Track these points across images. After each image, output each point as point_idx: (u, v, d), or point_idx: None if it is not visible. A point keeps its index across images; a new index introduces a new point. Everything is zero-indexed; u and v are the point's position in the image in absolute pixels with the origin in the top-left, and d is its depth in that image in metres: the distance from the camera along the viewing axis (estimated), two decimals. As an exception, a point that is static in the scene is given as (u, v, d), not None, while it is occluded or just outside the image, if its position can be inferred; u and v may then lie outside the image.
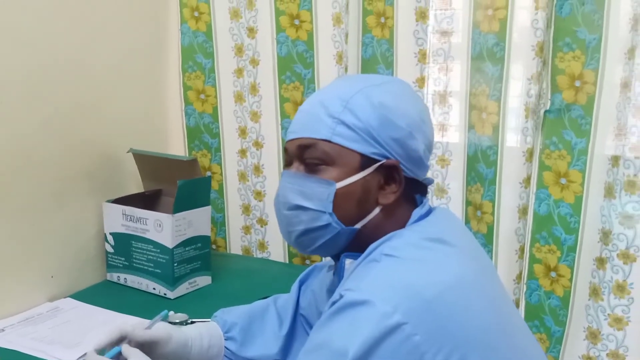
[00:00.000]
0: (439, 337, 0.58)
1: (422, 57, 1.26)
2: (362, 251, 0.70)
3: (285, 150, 0.77)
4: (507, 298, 0.75)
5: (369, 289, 0.61)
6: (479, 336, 0.61)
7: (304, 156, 0.73)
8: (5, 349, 0.95)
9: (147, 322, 0.83)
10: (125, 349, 0.77)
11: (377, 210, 0.72)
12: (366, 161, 0.71)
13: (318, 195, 0.71)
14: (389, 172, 0.72)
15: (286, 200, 0.73)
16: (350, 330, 0.59)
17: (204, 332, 0.89)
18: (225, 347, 0.90)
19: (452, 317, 0.60)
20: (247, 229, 1.53)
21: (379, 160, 0.71)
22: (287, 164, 0.77)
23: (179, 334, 0.84)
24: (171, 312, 1.04)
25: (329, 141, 0.71)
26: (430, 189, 1.28)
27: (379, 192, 0.72)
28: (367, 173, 0.71)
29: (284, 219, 0.75)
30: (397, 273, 0.64)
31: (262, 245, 1.51)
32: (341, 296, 0.62)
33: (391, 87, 0.75)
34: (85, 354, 0.80)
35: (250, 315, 0.93)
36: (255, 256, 1.53)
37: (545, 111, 1.18)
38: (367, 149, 0.71)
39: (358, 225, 0.72)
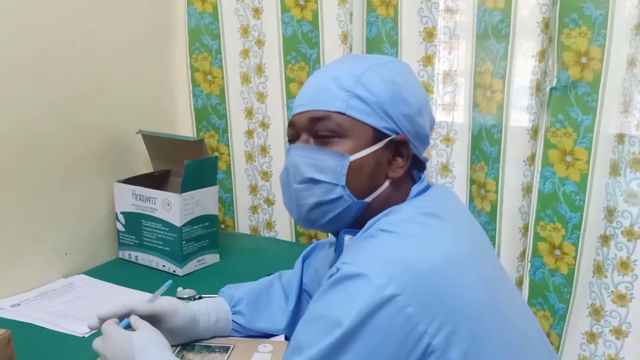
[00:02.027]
0: (432, 309, 0.60)
1: (427, 35, 1.26)
2: (362, 227, 0.72)
3: (291, 124, 0.77)
4: (503, 276, 0.75)
5: (365, 263, 0.62)
6: (471, 310, 0.62)
7: (315, 129, 0.73)
8: (21, 322, 0.99)
9: (158, 297, 0.87)
10: (134, 320, 0.80)
11: (386, 184, 0.74)
12: (378, 135, 0.72)
13: (331, 167, 0.71)
14: (398, 148, 0.74)
15: (297, 173, 0.73)
16: (345, 301, 0.60)
17: (210, 307, 0.91)
18: (233, 320, 0.93)
19: (445, 290, 0.61)
20: (254, 209, 1.55)
21: (389, 135, 0.72)
22: (294, 138, 0.77)
23: (185, 308, 0.87)
24: (179, 288, 1.07)
25: (343, 114, 0.71)
26: (435, 167, 1.29)
27: (388, 166, 0.74)
28: (379, 147, 0.72)
29: (293, 193, 0.75)
30: (392, 248, 0.65)
31: (269, 225, 1.54)
32: (338, 269, 0.64)
33: (397, 67, 0.77)
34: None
35: (257, 291, 0.96)
36: (262, 235, 1.55)
37: (551, 88, 1.17)
38: (380, 123, 0.72)
39: (368, 199, 0.73)
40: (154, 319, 0.84)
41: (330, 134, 0.72)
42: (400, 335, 0.59)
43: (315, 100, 0.74)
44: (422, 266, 0.61)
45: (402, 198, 0.74)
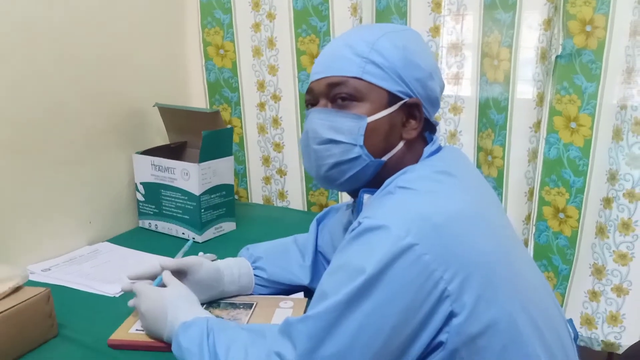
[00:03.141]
0: (447, 258, 0.64)
1: (436, 6, 1.29)
2: (379, 187, 0.76)
3: (309, 91, 0.81)
4: (510, 230, 0.80)
5: (385, 216, 0.67)
6: (483, 259, 0.66)
7: (332, 93, 0.77)
8: (53, 284, 1.04)
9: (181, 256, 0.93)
10: (166, 276, 0.86)
11: (401, 145, 0.78)
12: (392, 98, 0.76)
13: (350, 129, 0.75)
14: (411, 110, 0.78)
15: (317, 135, 0.78)
16: (367, 251, 0.65)
17: (232, 263, 0.98)
18: (256, 275, 0.99)
19: (459, 241, 0.66)
20: (267, 180, 1.60)
21: (403, 98, 0.77)
22: (313, 103, 0.81)
23: (210, 263, 0.94)
24: (200, 253, 1.13)
25: (360, 78, 0.75)
26: (443, 136, 1.33)
27: (402, 128, 0.78)
28: (393, 109, 0.76)
29: (313, 154, 0.79)
30: (410, 202, 0.69)
31: (281, 195, 1.59)
32: (359, 223, 0.68)
33: (408, 34, 0.81)
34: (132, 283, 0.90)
35: (274, 250, 1.02)
36: (275, 205, 1.60)
37: (557, 56, 1.20)
38: (394, 87, 0.76)
39: (384, 158, 0.77)
40: (181, 274, 0.91)
41: (348, 97, 0.76)
42: (418, 281, 0.63)
43: (332, 67, 0.78)
44: (438, 219, 0.66)
45: (415, 158, 0.79)
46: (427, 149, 0.79)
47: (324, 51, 0.82)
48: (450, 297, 0.63)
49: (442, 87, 0.84)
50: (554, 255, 1.30)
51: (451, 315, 0.64)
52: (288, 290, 1.00)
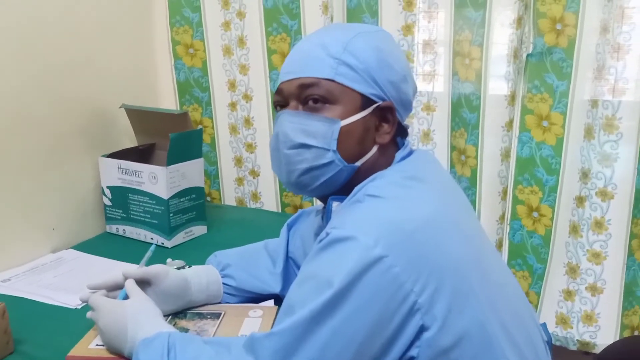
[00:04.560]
0: (417, 267, 0.62)
1: (407, 4, 1.27)
2: (350, 193, 0.74)
3: (278, 92, 0.78)
4: (482, 235, 0.78)
5: (353, 226, 0.64)
6: (453, 265, 0.65)
7: (304, 95, 0.74)
8: (13, 296, 1.00)
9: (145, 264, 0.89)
10: (129, 285, 0.83)
11: (374, 149, 0.76)
12: (366, 101, 0.74)
13: (322, 133, 0.72)
14: (384, 114, 0.76)
15: (288, 139, 0.74)
16: (336, 262, 0.62)
17: (201, 272, 0.94)
18: (225, 283, 0.95)
19: (429, 247, 0.64)
20: (240, 181, 1.57)
21: (376, 102, 0.74)
22: (282, 104, 0.78)
23: (176, 272, 0.90)
24: (169, 259, 1.09)
25: (332, 80, 0.73)
26: (417, 135, 1.32)
27: (375, 132, 0.76)
28: (367, 113, 0.74)
29: (284, 159, 0.76)
30: (378, 211, 0.67)
31: (255, 196, 1.56)
32: (327, 234, 0.66)
33: (382, 35, 0.79)
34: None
35: (243, 256, 0.98)
36: (248, 206, 1.57)
37: (528, 55, 1.20)
38: (367, 90, 0.74)
39: (358, 163, 0.75)
40: (145, 283, 0.87)
41: (320, 100, 0.73)
42: (387, 294, 0.61)
43: (304, 67, 0.75)
44: (407, 226, 0.64)
45: (387, 163, 0.77)
46: (399, 154, 0.77)
47: (295, 50, 0.78)
48: (420, 310, 0.62)
49: (415, 90, 0.82)
50: (529, 254, 1.30)
51: (422, 329, 0.62)
52: (258, 298, 0.98)
